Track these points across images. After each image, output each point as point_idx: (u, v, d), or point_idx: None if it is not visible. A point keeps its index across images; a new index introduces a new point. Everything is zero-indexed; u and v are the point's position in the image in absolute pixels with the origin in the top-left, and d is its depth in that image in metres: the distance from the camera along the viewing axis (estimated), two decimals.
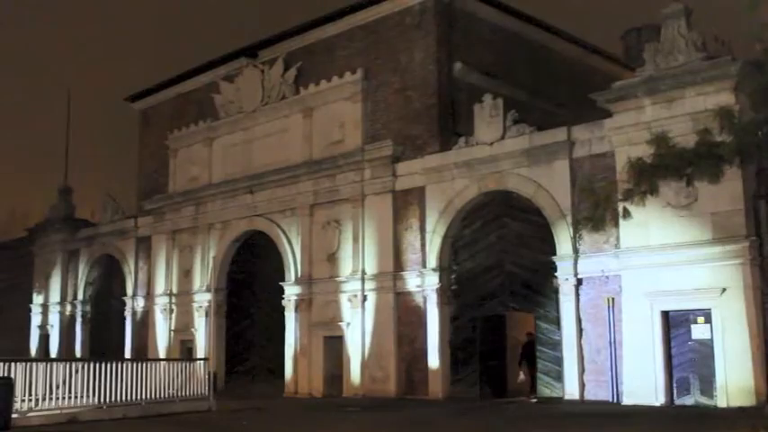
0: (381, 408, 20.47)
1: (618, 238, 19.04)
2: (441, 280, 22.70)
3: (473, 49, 24.95)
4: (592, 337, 19.66)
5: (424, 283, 22.99)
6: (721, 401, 17.15)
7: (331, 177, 25.76)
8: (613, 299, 19.26)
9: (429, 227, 23.12)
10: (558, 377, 20.23)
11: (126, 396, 19.15)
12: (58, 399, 17.95)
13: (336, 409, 20.57)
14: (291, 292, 26.42)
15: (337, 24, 26.74)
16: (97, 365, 18.98)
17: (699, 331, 17.88)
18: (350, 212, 25.15)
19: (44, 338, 37.68)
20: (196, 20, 72.74)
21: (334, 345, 25.12)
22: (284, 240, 26.98)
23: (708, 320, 17.69)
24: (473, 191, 22.37)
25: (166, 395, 20.17)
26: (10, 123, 74.57)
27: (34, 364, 18.53)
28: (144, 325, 32.51)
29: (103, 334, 35.08)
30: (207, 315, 28.95)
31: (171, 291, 31.22)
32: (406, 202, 23.92)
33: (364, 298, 24.35)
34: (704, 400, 17.65)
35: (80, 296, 36.32)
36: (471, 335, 22.59)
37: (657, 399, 17.98)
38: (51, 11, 75.26)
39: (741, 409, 16.10)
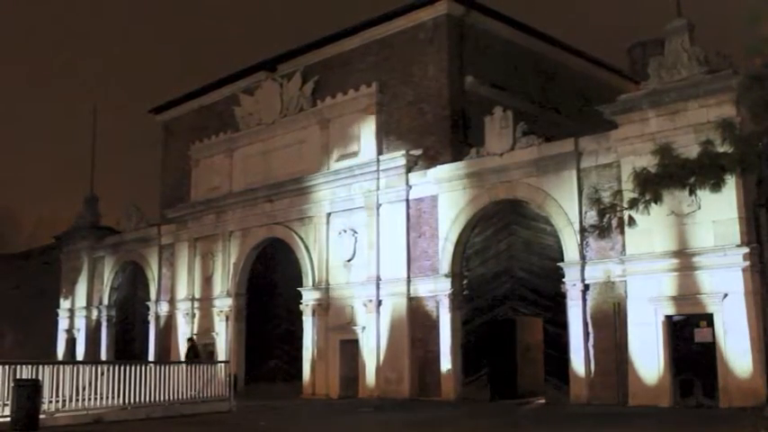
0: (395, 409, 20.95)
1: (623, 245, 19.49)
2: (453, 285, 23.23)
3: (484, 63, 25.51)
4: (598, 341, 20.12)
5: (436, 289, 23.53)
6: (723, 403, 17.55)
7: (347, 187, 26.33)
8: (619, 304, 19.72)
9: (441, 234, 23.64)
10: (566, 379, 20.71)
11: (149, 397, 19.48)
12: (84, 400, 18.21)
13: (352, 409, 21.10)
14: (309, 297, 27.01)
15: (353, 39, 27.39)
16: (122, 368, 19.37)
17: (701, 335, 18.30)
18: (365, 220, 25.70)
19: (71, 342, 38.19)
20: (217, 35, 73.87)
21: (350, 348, 25.65)
22: (302, 247, 27.60)
23: (710, 325, 18.10)
24: (484, 200, 22.89)
25: (188, 396, 20.52)
26: (39, 134, 76.20)
27: (61, 366, 18.90)
28: (167, 329, 33.12)
29: (128, 338, 35.78)
30: (227, 319, 29.68)
31: (193, 296, 31.76)
32: (420, 211, 24.43)
33: (379, 303, 24.88)
34: (707, 402, 18.04)
35: (105, 301, 36.89)
36: (482, 338, 23.05)
37: (662, 400, 18.41)
38: (78, 28, 76.83)
39: (742, 410, 16.46)
